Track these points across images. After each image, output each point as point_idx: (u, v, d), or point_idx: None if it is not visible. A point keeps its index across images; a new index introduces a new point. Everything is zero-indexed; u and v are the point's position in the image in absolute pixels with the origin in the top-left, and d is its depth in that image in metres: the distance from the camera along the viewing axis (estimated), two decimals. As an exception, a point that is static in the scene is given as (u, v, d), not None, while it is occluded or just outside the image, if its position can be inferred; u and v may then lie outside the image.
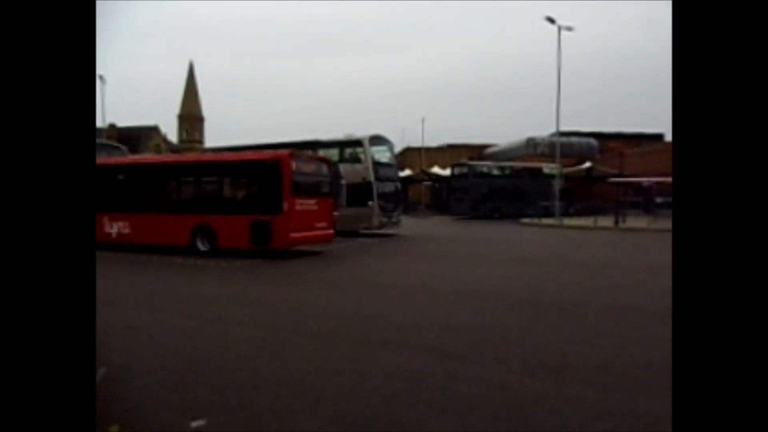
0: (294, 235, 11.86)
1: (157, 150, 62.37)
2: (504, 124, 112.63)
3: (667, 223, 24.27)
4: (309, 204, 12.44)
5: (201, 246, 12.50)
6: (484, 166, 35.50)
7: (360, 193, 17.56)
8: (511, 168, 35.29)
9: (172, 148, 66.85)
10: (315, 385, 3.94)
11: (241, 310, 6.79)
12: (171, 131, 75.02)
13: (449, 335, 5.46)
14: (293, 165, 11.96)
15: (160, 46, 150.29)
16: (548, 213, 28.12)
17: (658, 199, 29.79)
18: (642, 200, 30.15)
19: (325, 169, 13.59)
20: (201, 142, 71.77)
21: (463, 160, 36.08)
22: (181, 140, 73.81)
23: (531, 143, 45.55)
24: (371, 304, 7.25)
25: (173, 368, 4.39)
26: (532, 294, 7.87)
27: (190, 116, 74.95)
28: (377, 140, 19.07)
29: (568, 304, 7.11)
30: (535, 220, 26.89)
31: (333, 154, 18.17)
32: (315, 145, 18.32)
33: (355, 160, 18.40)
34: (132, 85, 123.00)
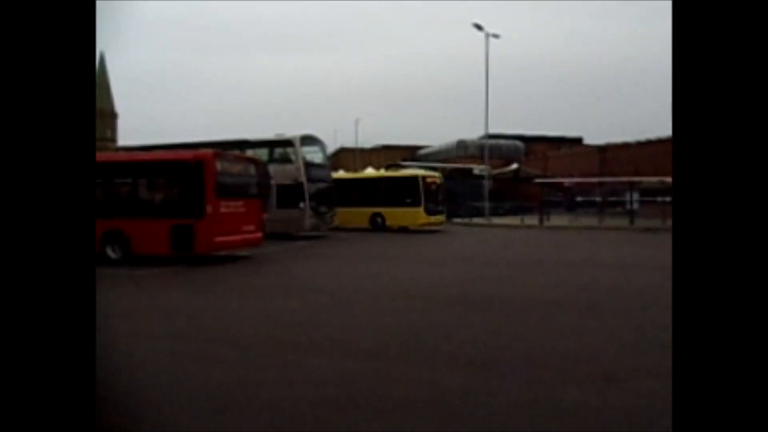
0: (219, 239, 11.30)
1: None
2: (437, 125, 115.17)
3: (585, 221, 25.80)
4: (235, 206, 11.92)
5: (111, 254, 11.52)
6: (416, 166, 36.01)
7: (291, 194, 17.14)
8: (443, 169, 36.03)
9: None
10: (239, 397, 3.74)
11: (158, 322, 6.31)
12: (77, 129, 69.56)
13: (381, 337, 5.40)
14: (218, 165, 11.40)
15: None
16: (478, 213, 28.97)
17: (579, 198, 31.68)
18: (564, 200, 31.90)
19: (252, 169, 13.10)
20: (114, 140, 67.18)
21: (397, 162, 36.42)
22: (89, 138, 68.66)
23: (462, 145, 46.97)
24: (301, 308, 7.02)
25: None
26: (463, 292, 7.99)
27: (101, 112, 69.71)
28: (309, 140, 18.74)
29: (496, 301, 7.29)
30: (466, 220, 27.59)
31: (262, 154, 17.62)
32: (243, 144, 17.69)
33: (286, 160, 17.97)
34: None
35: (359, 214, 21.96)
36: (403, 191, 21.50)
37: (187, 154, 12.09)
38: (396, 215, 21.47)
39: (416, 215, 21.00)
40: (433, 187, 22.14)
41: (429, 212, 21.24)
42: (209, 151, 11.86)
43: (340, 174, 25.39)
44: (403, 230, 21.47)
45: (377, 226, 21.86)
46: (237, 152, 14.64)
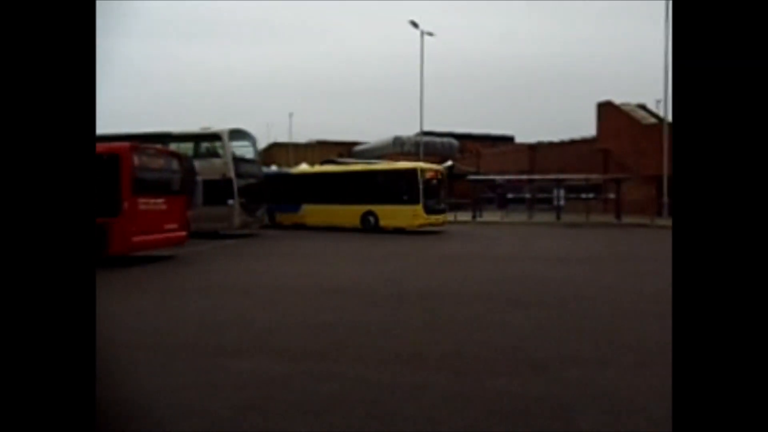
0: (137, 239, 10.54)
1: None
2: (374, 122, 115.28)
3: (516, 217, 26.81)
4: (156, 203, 11.18)
5: None
6: (353, 162, 35.81)
7: (218, 190, 16.37)
8: (379, 165, 36.03)
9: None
10: (159, 404, 3.48)
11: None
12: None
13: (310, 335, 5.21)
14: (135, 160, 10.62)
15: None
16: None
17: (510, 195, 32.91)
18: (496, 196, 33.00)
19: (175, 164, 12.34)
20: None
21: (332, 158, 36.03)
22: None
23: (398, 142, 47.40)
24: (227, 310, 6.64)
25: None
26: (394, 288, 7.93)
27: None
28: (238, 134, 18.00)
29: (425, 296, 7.30)
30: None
31: (187, 148, 16.75)
32: (166, 138, 16.68)
33: (213, 155, 17.17)
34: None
35: (348, 213, 19.47)
36: (399, 186, 18.71)
37: (101, 147, 11.16)
38: (391, 214, 18.72)
39: (414, 214, 18.17)
40: (434, 181, 19.20)
41: (429, 211, 18.37)
42: (125, 144, 11.02)
43: (326, 167, 23.02)
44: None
45: (370, 226, 19.13)
46: (159, 146, 13.73)
